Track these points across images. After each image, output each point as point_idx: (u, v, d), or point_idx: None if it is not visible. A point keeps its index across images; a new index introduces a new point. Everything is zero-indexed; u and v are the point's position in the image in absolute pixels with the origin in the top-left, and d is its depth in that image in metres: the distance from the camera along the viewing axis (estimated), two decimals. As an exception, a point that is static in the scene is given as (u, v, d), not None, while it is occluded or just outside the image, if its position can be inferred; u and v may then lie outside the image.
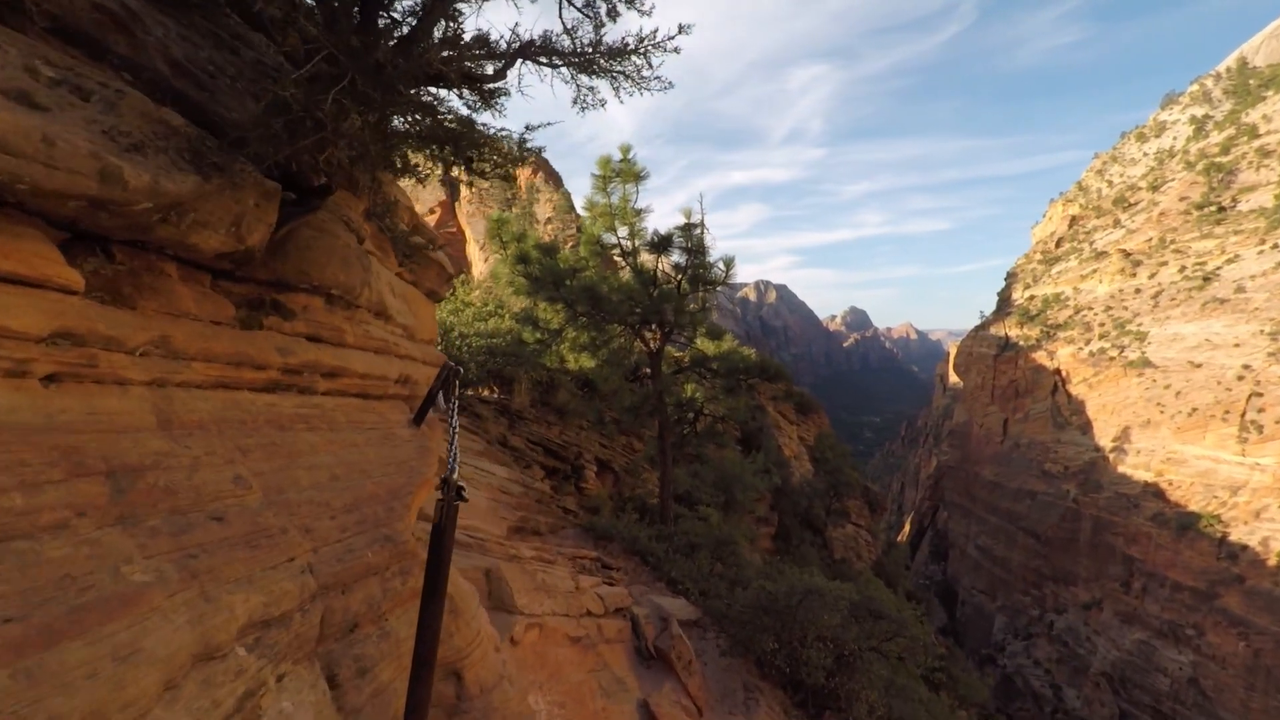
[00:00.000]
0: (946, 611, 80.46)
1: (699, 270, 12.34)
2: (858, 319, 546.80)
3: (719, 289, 12.70)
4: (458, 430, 2.75)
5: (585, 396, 18.70)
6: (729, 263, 12.40)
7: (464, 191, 66.45)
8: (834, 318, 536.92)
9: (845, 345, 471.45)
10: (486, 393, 16.33)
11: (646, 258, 12.24)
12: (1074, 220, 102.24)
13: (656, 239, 12.02)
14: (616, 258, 12.94)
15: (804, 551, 29.60)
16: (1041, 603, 69.17)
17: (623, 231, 12.87)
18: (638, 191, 12.72)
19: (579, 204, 13.53)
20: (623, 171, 12.62)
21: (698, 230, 11.99)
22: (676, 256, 12.35)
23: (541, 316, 13.59)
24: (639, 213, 12.71)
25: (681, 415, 13.99)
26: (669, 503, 13.39)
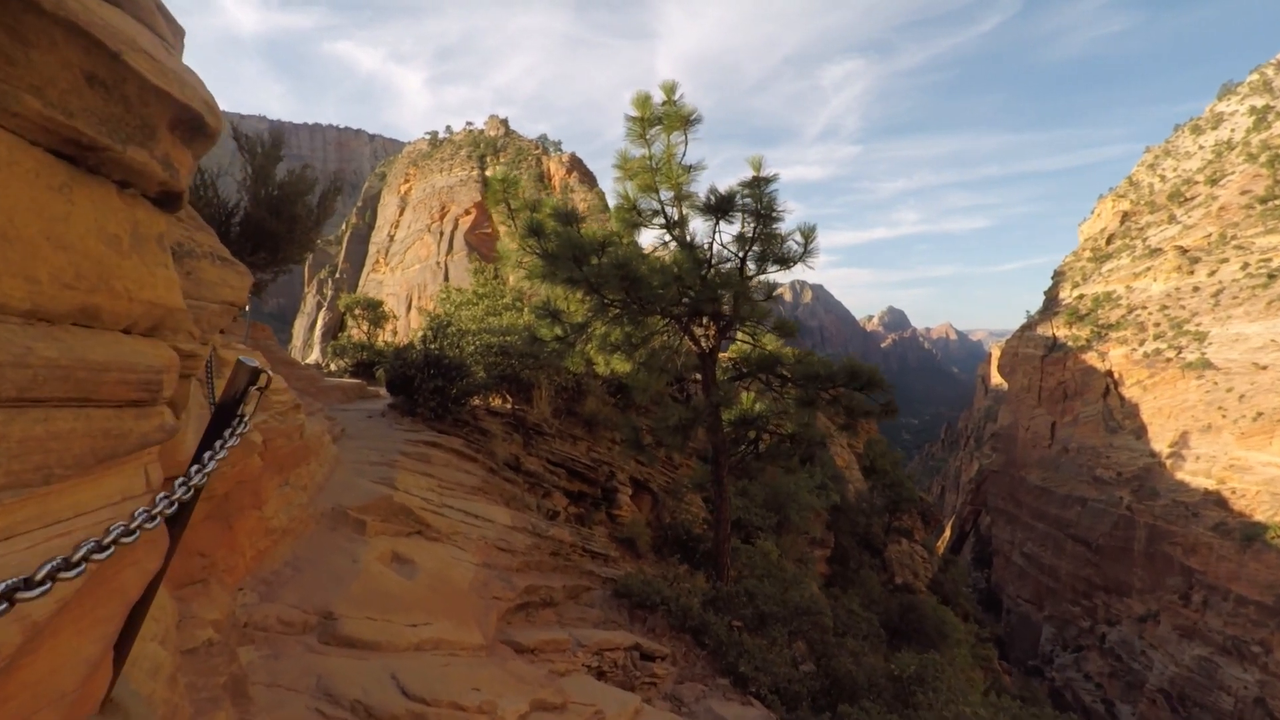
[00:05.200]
0: (990, 620, 78.03)
1: (769, 243, 9.21)
2: (895, 319, 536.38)
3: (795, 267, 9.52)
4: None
5: (619, 404, 15.69)
6: (808, 233, 9.23)
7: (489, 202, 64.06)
8: (871, 318, 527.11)
9: (883, 346, 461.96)
10: (497, 402, 13.40)
11: (699, 226, 9.13)
12: (1125, 216, 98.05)
13: (714, 200, 8.89)
14: (657, 229, 9.86)
15: (863, 576, 26.33)
16: (1092, 614, 66.51)
17: (666, 194, 9.79)
18: (686, 141, 9.64)
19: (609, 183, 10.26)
20: (666, 115, 9.54)
21: (770, 188, 8.85)
22: (739, 226, 9.24)
23: (562, 307, 10.58)
24: (688, 169, 9.61)
25: (740, 433, 10.85)
26: (726, 547, 10.27)
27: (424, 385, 10.63)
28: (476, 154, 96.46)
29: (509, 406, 13.22)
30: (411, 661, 4.35)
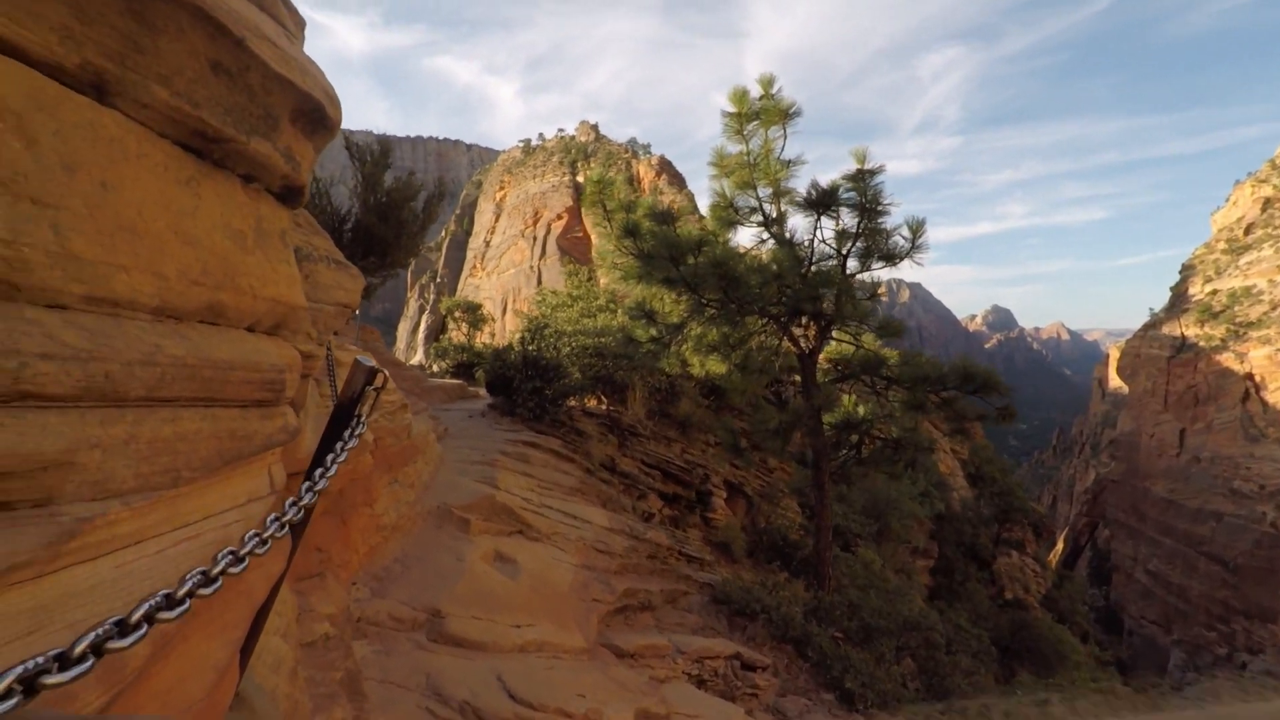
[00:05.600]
0: (1111, 641, 72.43)
1: (874, 238, 8.79)
2: (1001, 318, 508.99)
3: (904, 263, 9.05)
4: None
5: (712, 407, 15.47)
6: (916, 227, 8.74)
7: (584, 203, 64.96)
8: (974, 317, 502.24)
9: (987, 347, 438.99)
10: (592, 403, 13.47)
11: (798, 223, 8.83)
12: (1267, 203, 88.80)
13: (815, 194, 8.57)
14: (755, 226, 9.61)
15: (970, 590, 24.95)
16: (1230, 640, 60.11)
17: (764, 191, 9.53)
18: (785, 136, 9.35)
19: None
20: (764, 110, 9.29)
21: (875, 180, 8.45)
22: (841, 221, 8.87)
23: (657, 308, 10.49)
24: (787, 164, 9.32)
25: (841, 437, 10.43)
26: (828, 555, 9.89)
27: (522, 386, 10.79)
28: (568, 160, 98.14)
29: (604, 408, 13.26)
30: (516, 663, 4.33)
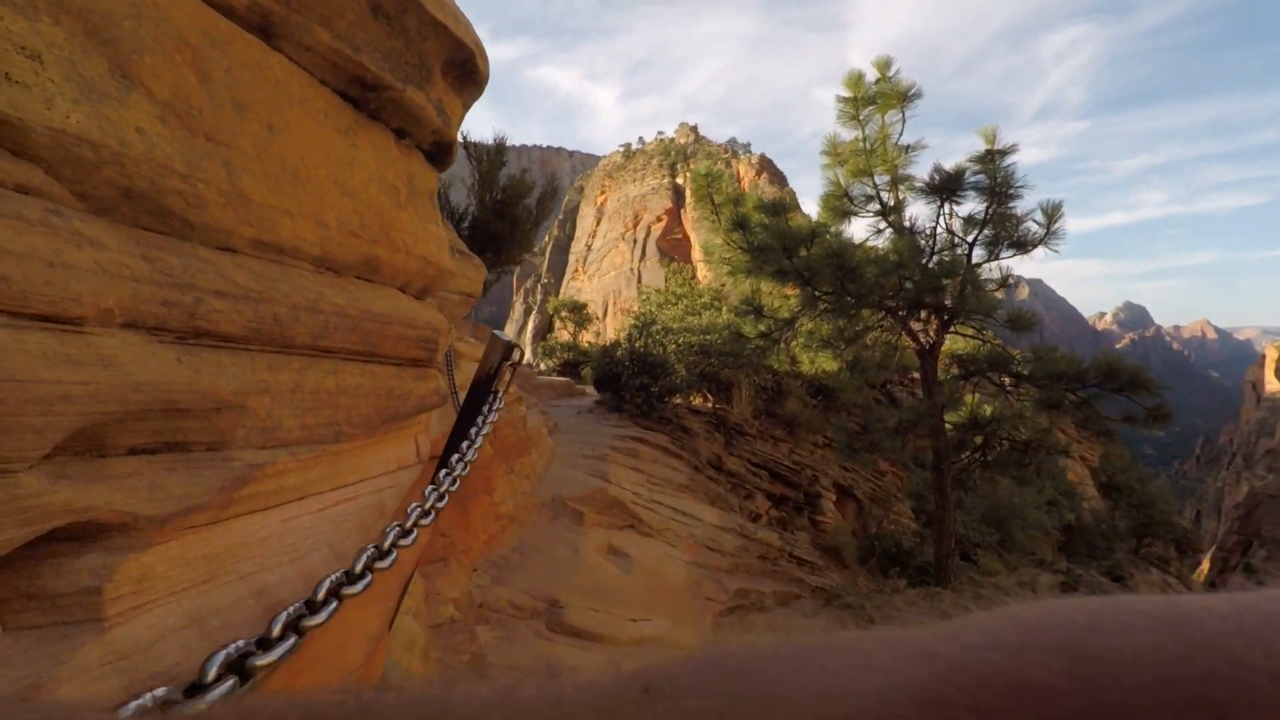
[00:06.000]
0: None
1: (1003, 225, 8.19)
2: (1134, 316, 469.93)
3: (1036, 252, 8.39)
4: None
5: (820, 406, 14.99)
6: (1052, 211, 8.07)
7: (689, 198, 64.98)
8: (1103, 315, 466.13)
9: (1118, 346, 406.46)
10: (698, 401, 13.34)
11: (918, 211, 8.36)
12: None
13: (939, 179, 8.08)
14: (870, 216, 9.17)
15: (1104, 608, 23.00)
16: None
17: (880, 179, 9.09)
18: (903, 120, 8.87)
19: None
20: (881, 94, 8.85)
21: (1006, 163, 7.87)
22: (968, 206, 8.33)
23: (766, 303, 10.21)
24: (905, 150, 8.84)
25: (964, 438, 9.79)
26: (949, 564, 9.30)
27: (630, 383, 10.79)
28: (667, 163, 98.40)
29: (709, 406, 13.10)
30: (635, 658, 4.26)
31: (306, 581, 0.94)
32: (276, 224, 1.03)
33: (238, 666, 0.64)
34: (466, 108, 1.54)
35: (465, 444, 1.48)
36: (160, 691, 0.56)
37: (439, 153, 1.48)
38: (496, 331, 1.95)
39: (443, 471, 1.27)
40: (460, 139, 6.60)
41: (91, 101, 0.79)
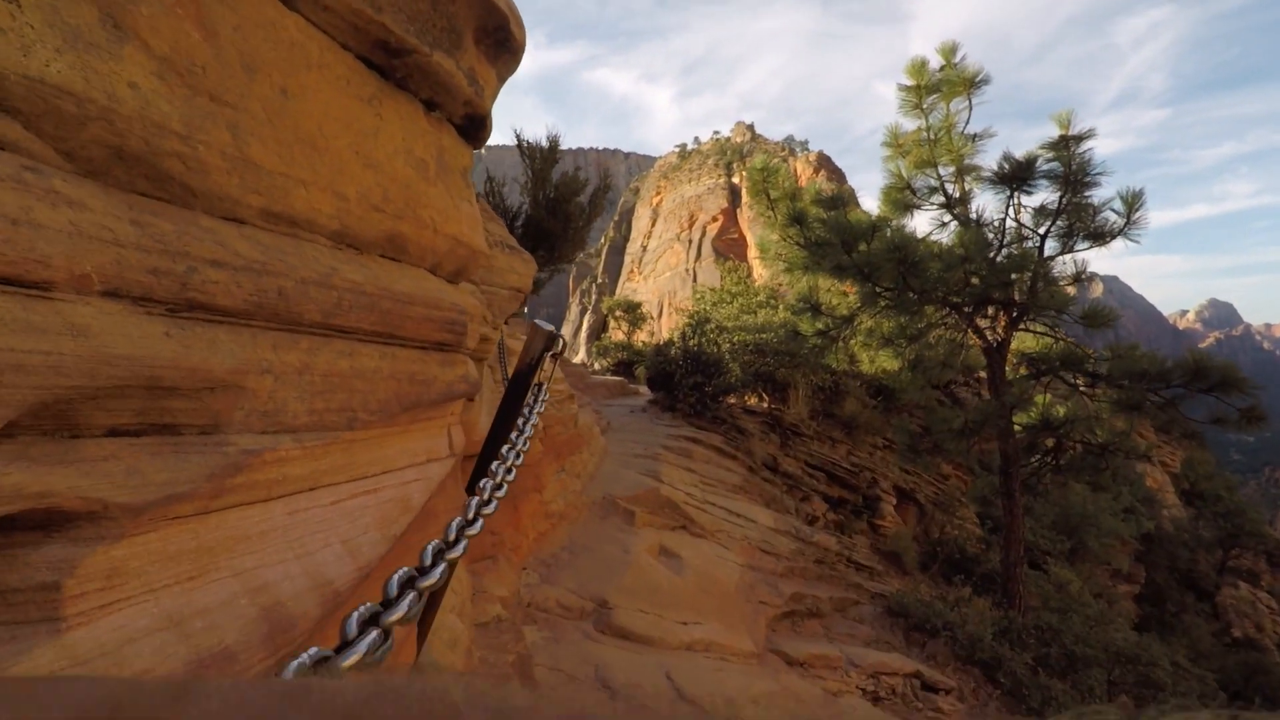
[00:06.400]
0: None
1: (1079, 215, 7.74)
2: (1220, 314, 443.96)
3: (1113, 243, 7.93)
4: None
5: (879, 407, 14.55)
6: (1132, 199, 7.59)
7: (745, 198, 64.74)
8: (1185, 313, 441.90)
9: (1202, 346, 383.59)
10: (753, 400, 13.11)
11: (985, 202, 7.98)
12: None
13: (1008, 167, 7.71)
14: (934, 208, 8.82)
15: (1186, 623, 21.73)
16: None
17: (945, 169, 8.74)
18: (970, 108, 8.50)
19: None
20: (945, 81, 8.51)
21: (1082, 149, 7.44)
22: (1040, 196, 7.94)
23: (824, 300, 9.93)
24: (972, 139, 8.48)
25: (1035, 441, 9.33)
26: (1018, 572, 8.86)
27: (683, 381, 10.67)
28: (723, 162, 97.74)
29: (765, 406, 12.87)
30: (684, 662, 4.13)
31: (313, 579, 0.86)
32: (289, 194, 0.96)
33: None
34: (502, 80, 1.45)
35: (515, 434, 1.40)
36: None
37: (472, 127, 1.40)
38: (538, 320, 1.87)
39: (494, 464, 1.20)
40: (514, 135, 6.56)
41: (77, 51, 0.73)
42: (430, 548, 0.79)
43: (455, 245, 1.32)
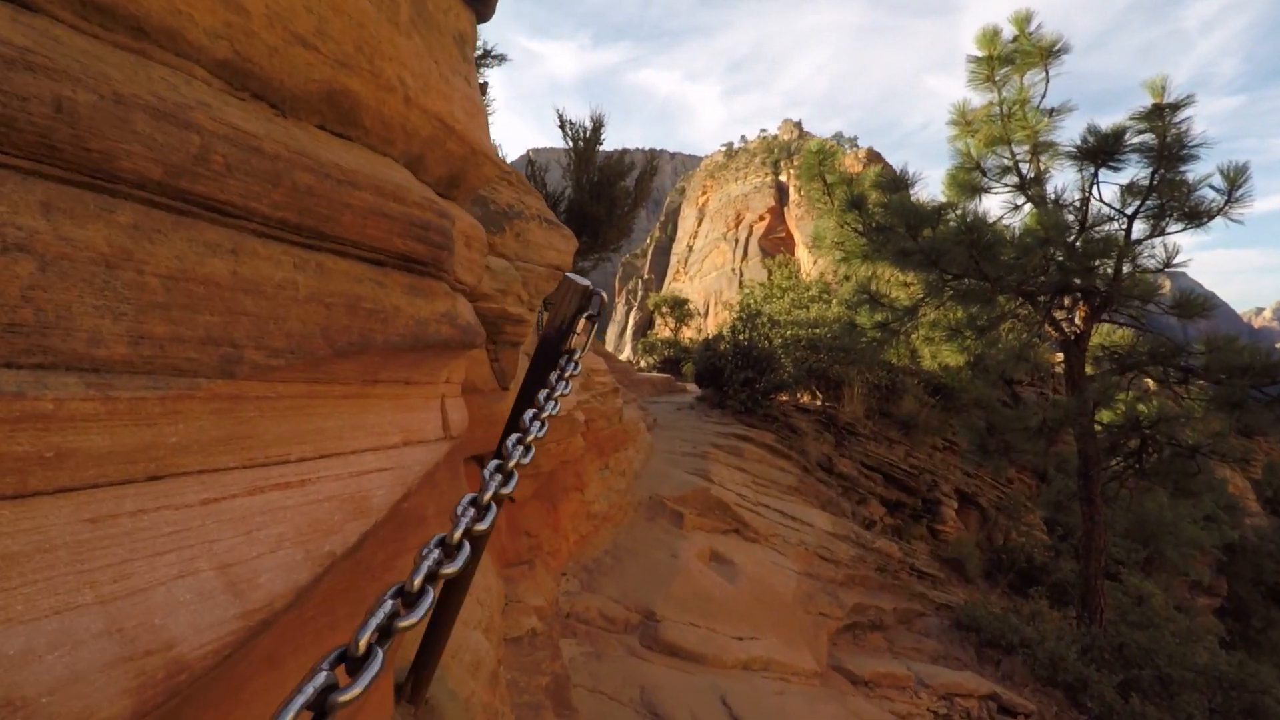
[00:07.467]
0: None
1: (1173, 192, 7.00)
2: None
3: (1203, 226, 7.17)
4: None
5: (938, 406, 13.79)
6: (1235, 175, 6.81)
7: (793, 196, 64.13)
8: (1260, 311, 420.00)
9: (1278, 345, 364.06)
10: (806, 398, 12.54)
11: (1064, 180, 7.29)
12: None
13: (1092, 141, 7.02)
14: (1006, 190, 8.15)
15: (1274, 640, 20.27)
16: None
17: (1019, 148, 8.07)
18: (1046, 80, 7.83)
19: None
20: (1019, 52, 7.86)
21: (1179, 118, 6.72)
22: (1128, 173, 7.22)
23: (884, 290, 9.33)
24: (1049, 114, 7.80)
25: (1117, 441, 8.57)
26: (1098, 584, 8.12)
27: (733, 377, 10.19)
28: (770, 160, 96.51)
29: (818, 404, 12.30)
30: (740, 684, 3.68)
31: (123, 649, 0.46)
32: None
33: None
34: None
35: (531, 418, 1.00)
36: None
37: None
38: (570, 274, 1.43)
39: (513, 437, 0.80)
40: (556, 114, 6.19)
41: None
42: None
43: (443, 133, 0.91)
